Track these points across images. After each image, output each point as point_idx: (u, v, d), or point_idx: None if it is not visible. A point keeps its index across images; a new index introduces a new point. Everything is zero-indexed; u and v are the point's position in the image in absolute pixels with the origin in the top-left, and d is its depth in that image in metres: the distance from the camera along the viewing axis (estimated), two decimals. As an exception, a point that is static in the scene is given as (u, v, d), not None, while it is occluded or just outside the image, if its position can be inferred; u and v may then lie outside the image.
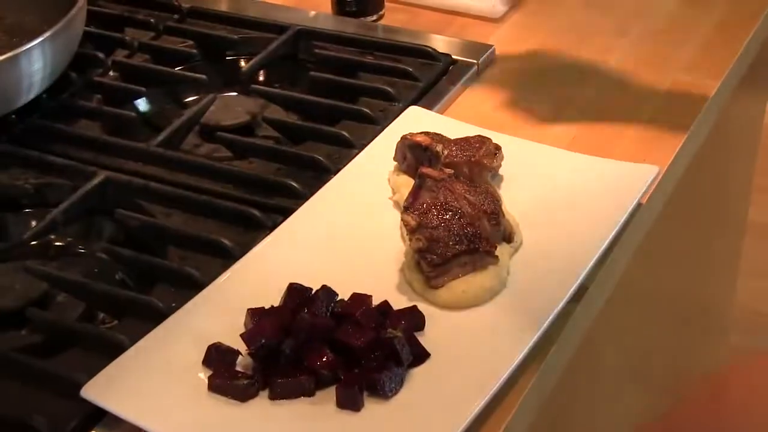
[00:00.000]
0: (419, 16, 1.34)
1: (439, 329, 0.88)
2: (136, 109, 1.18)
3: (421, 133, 1.04)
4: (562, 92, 1.20)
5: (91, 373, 0.82)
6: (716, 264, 1.83)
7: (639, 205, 1.00)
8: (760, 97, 1.65)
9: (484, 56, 1.24)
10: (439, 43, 1.26)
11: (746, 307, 2.12)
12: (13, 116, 1.13)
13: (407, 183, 1.01)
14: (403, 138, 1.04)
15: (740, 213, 1.89)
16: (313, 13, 1.34)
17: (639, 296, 1.24)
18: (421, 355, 0.85)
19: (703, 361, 1.84)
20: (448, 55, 1.23)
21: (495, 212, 0.95)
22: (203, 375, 0.84)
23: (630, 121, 1.15)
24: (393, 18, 1.33)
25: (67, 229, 1.00)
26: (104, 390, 0.82)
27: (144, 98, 1.19)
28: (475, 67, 1.22)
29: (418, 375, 0.84)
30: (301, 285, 0.89)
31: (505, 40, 1.28)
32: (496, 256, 0.93)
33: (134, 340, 0.85)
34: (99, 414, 0.81)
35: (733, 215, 1.85)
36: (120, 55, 1.26)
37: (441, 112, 1.16)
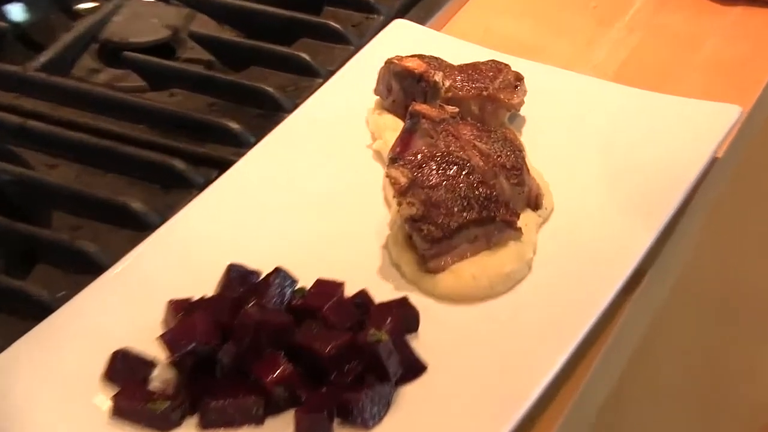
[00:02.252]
0: None
1: (440, 331, 0.88)
2: (7, 18, 1.17)
3: (413, 56, 1.04)
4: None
5: None
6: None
7: (714, 159, 0.99)
8: None
9: None
10: None
11: None
12: None
13: (394, 125, 1.01)
14: (388, 62, 1.03)
15: None
16: None
17: (711, 286, 1.23)
18: (414, 367, 0.85)
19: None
20: None
21: (516, 167, 0.95)
22: (104, 395, 0.82)
23: (700, 44, 1.16)
24: None
25: None
26: None
27: (20, 3, 1.18)
28: None
29: (410, 394, 0.85)
30: (244, 267, 0.88)
31: None
32: (519, 228, 0.93)
33: (2, 346, 0.84)
34: None
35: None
36: None
37: (439, 27, 1.16)
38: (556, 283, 0.93)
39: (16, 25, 1.17)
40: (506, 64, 1.03)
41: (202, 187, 0.97)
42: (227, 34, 1.17)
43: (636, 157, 1.04)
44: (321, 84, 1.06)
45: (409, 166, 0.93)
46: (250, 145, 1.01)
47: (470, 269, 0.92)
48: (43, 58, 1.09)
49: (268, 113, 1.04)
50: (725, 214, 1.08)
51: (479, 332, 0.89)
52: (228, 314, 0.87)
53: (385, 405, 0.83)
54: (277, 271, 0.92)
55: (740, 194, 1.12)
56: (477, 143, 0.95)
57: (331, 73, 1.07)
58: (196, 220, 0.96)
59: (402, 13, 1.15)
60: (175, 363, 0.84)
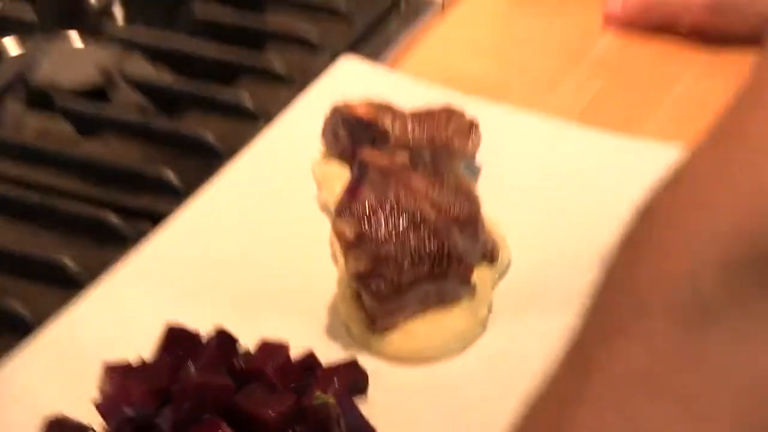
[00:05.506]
0: None
1: (389, 393, 0.90)
2: None
3: (363, 101, 1.05)
4: (563, 39, 1.24)
5: None
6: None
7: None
8: None
9: None
10: None
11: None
12: None
13: (341, 174, 1.02)
14: (335, 108, 1.05)
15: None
16: None
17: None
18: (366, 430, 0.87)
19: None
20: None
21: (471, 219, 0.96)
22: None
23: (668, 84, 1.18)
24: None
25: None
26: None
27: None
28: (429, 4, 1.25)
29: None
30: (184, 328, 0.89)
31: None
32: (473, 285, 0.94)
33: None
34: None
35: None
36: None
37: (392, 65, 1.18)
38: (513, 342, 0.94)
39: None
40: (461, 109, 1.05)
41: (136, 242, 0.98)
42: (164, 76, 1.17)
43: (601, 204, 1.02)
44: (263, 129, 1.08)
45: (356, 219, 0.94)
46: (187, 197, 1.02)
47: (422, 328, 0.94)
48: None
49: (206, 162, 1.05)
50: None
51: (431, 395, 0.91)
52: (166, 378, 0.86)
53: None
54: (219, 331, 0.90)
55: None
56: (429, 194, 0.96)
57: (274, 117, 1.08)
58: (131, 277, 0.97)
59: (350, 50, 1.16)
60: (112, 431, 0.86)
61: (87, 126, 1.12)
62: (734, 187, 0.71)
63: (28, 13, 1.22)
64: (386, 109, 1.05)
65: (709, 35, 1.23)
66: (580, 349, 0.72)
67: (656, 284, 0.72)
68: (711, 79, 1.20)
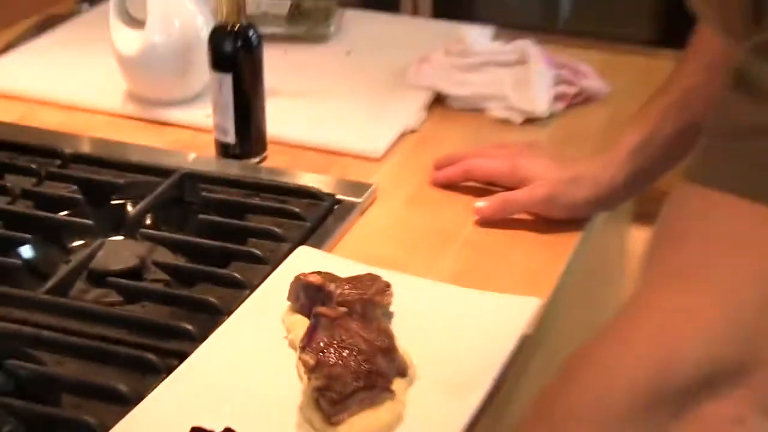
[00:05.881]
0: (301, 158, 1.37)
1: None
2: (20, 256, 1.17)
3: (314, 272, 1.06)
4: (444, 227, 1.24)
5: None
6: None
7: (524, 338, 1.02)
8: (622, 228, 1.73)
9: (366, 194, 1.27)
10: (323, 183, 1.29)
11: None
12: None
13: (302, 322, 1.03)
14: (296, 278, 1.06)
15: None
16: (195, 156, 1.37)
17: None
18: None
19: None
20: (332, 195, 1.26)
21: (389, 348, 0.97)
22: None
23: (512, 253, 1.19)
24: (276, 159, 1.37)
25: None
26: None
27: (29, 245, 1.18)
28: (359, 206, 1.26)
29: None
30: (203, 428, 0.88)
31: (386, 178, 1.33)
32: (393, 391, 0.94)
33: None
34: None
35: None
36: (1, 202, 1.25)
37: (329, 250, 1.18)
38: (421, 429, 0.93)
39: (27, 261, 1.15)
40: (378, 276, 1.06)
41: (168, 373, 0.96)
42: (180, 261, 1.15)
43: (469, 336, 1.04)
44: (249, 294, 1.07)
45: (315, 351, 0.94)
46: (201, 341, 1.01)
47: (360, 422, 0.92)
48: (48, 284, 1.07)
49: (212, 317, 1.04)
50: (537, 372, 1.12)
51: None
52: None
53: None
54: (227, 430, 0.88)
55: (546, 359, 1.15)
56: (361, 333, 0.96)
57: (256, 286, 1.08)
58: (164, 397, 0.94)
59: (303, 241, 1.16)
60: None
61: (130, 295, 1.10)
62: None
63: (89, 224, 1.21)
64: (330, 278, 1.05)
65: (545, 218, 1.23)
66: None
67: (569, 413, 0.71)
68: (545, 250, 1.21)
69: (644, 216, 1.33)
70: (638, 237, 1.60)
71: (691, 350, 0.67)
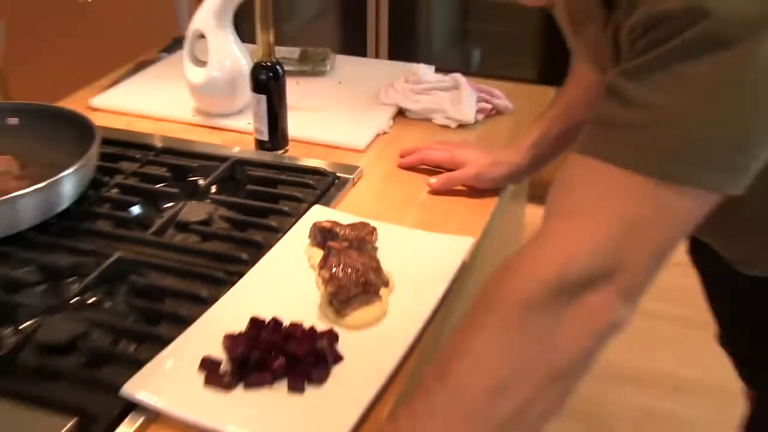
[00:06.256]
0: (311, 149, 1.37)
1: (348, 342, 0.90)
2: (132, 213, 1.18)
3: (326, 220, 1.07)
4: (408, 194, 1.24)
5: (122, 381, 0.82)
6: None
7: (463, 263, 1.04)
8: (522, 203, 1.73)
9: (356, 173, 1.27)
10: (326, 165, 1.29)
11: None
12: (54, 219, 1.12)
13: (318, 253, 1.04)
14: (314, 224, 1.07)
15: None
16: (240, 149, 1.35)
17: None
18: (338, 358, 0.87)
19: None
20: (333, 173, 1.26)
21: (376, 268, 0.99)
22: (201, 377, 0.85)
23: (453, 211, 1.19)
24: (294, 151, 1.36)
25: (96, 290, 0.99)
26: (136, 386, 0.82)
27: (137, 206, 1.19)
28: (351, 180, 1.26)
29: (337, 370, 0.86)
30: (257, 317, 0.91)
31: (368, 163, 1.32)
32: (380, 296, 0.96)
33: (148, 360, 0.86)
34: (131, 406, 0.82)
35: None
36: (119, 178, 1.25)
37: (333, 207, 1.18)
38: (397, 321, 0.94)
39: (135, 216, 1.16)
40: (368, 223, 1.06)
41: (232, 284, 0.96)
42: (235, 215, 1.15)
43: (426, 264, 1.03)
44: (282, 236, 1.07)
45: (328, 270, 0.96)
46: (251, 264, 1.01)
47: (358, 315, 0.94)
48: (151, 230, 1.08)
49: (258, 250, 1.04)
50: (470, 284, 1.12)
51: (365, 342, 0.90)
52: (253, 339, 0.86)
53: (326, 375, 0.85)
54: (274, 318, 0.90)
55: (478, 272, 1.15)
56: (358, 259, 0.97)
57: (287, 230, 1.08)
58: (230, 299, 0.94)
59: (316, 202, 1.16)
60: (232, 360, 0.84)
61: (204, 237, 1.11)
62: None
63: (176, 192, 1.20)
64: (336, 224, 1.06)
65: (475, 189, 1.22)
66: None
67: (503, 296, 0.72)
68: (475, 209, 1.19)
69: (536, 197, 1.33)
70: (531, 212, 1.60)
71: (580, 259, 0.69)
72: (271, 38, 1.29)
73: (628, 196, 0.69)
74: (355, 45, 3.05)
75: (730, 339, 1.23)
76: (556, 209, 0.73)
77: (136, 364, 0.85)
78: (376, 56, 2.97)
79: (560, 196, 0.74)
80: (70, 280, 1.02)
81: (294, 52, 1.70)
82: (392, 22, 2.98)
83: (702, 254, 1.15)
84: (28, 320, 0.93)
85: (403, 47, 2.99)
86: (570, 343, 0.69)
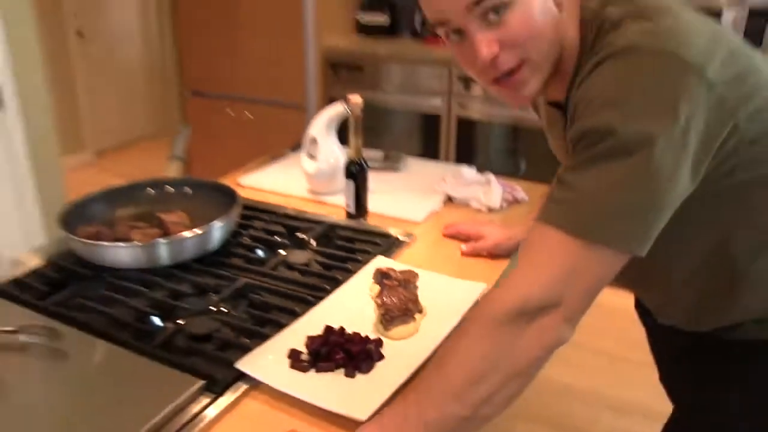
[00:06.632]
0: (383, 220, 1.36)
1: (389, 348, 0.92)
2: (257, 254, 1.20)
3: (385, 267, 1.10)
4: (446, 254, 1.22)
5: (237, 359, 0.88)
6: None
7: (476, 301, 1.01)
8: None
9: (411, 237, 1.27)
10: (392, 231, 1.29)
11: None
12: (206, 254, 1.15)
13: (376, 288, 1.06)
14: (377, 268, 1.10)
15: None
16: (335, 217, 1.36)
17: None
18: (380, 357, 0.90)
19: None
20: (395, 236, 1.27)
21: (415, 300, 1.01)
22: (288, 361, 0.89)
23: (476, 267, 1.18)
24: (372, 220, 1.36)
25: (227, 302, 1.02)
26: (245, 364, 0.87)
27: (261, 250, 1.21)
28: (407, 241, 1.26)
29: (379, 365, 0.89)
30: (330, 326, 0.94)
31: (422, 231, 1.31)
32: (415, 319, 0.98)
33: (255, 348, 0.90)
34: (241, 375, 0.87)
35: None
36: (251, 231, 1.27)
37: (393, 258, 1.20)
38: (426, 337, 0.93)
39: (260, 257, 1.13)
40: (413, 270, 1.08)
41: (317, 303, 0.97)
42: (327, 259, 1.16)
43: (451, 300, 0.99)
44: (354, 275, 1.08)
45: (382, 300, 0.99)
46: (332, 291, 1.02)
47: (399, 331, 0.95)
48: (268, 265, 1.09)
49: (337, 283, 1.06)
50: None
51: (402, 349, 0.91)
52: (326, 340, 0.89)
53: (372, 367, 0.87)
54: (341, 328, 0.92)
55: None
56: (402, 293, 1.00)
57: (358, 271, 1.09)
58: (316, 312, 0.96)
59: (381, 254, 1.15)
60: (309, 352, 0.88)
61: (302, 273, 1.11)
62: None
63: (287, 243, 1.19)
64: (391, 269, 1.08)
65: (493, 255, 1.20)
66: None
67: (478, 316, 0.74)
68: (492, 267, 1.17)
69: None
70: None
71: (536, 293, 0.72)
72: (360, 143, 1.33)
73: (565, 252, 0.72)
74: (430, 153, 3.13)
75: (665, 377, 1.18)
76: (522, 257, 0.76)
77: (247, 350, 0.90)
78: (446, 161, 3.02)
79: (524, 249, 0.77)
80: (211, 294, 1.06)
81: (380, 154, 1.74)
82: (459, 138, 3.05)
83: (642, 308, 1.13)
84: (183, 318, 0.98)
85: (467, 156, 3.03)
86: (528, 351, 0.72)
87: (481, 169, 1.56)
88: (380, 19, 3.33)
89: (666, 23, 0.68)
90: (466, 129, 3.01)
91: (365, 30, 3.36)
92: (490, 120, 2.95)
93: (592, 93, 0.69)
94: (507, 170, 3.00)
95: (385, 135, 3.18)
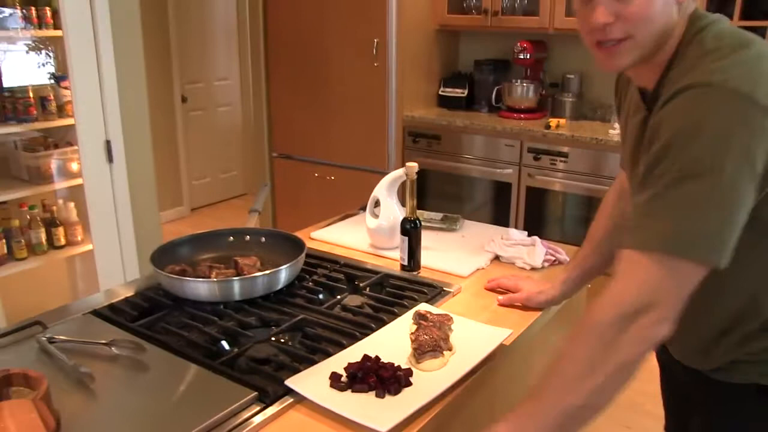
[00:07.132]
0: (434, 273, 1.43)
1: (418, 377, 0.99)
2: (317, 296, 1.29)
3: (424, 310, 1.18)
4: (485, 304, 1.28)
5: (287, 378, 0.96)
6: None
7: (501, 344, 1.09)
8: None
9: (455, 288, 1.33)
10: (440, 282, 1.35)
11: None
12: (273, 293, 1.25)
13: (414, 327, 1.14)
14: (416, 311, 1.17)
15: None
16: (390, 269, 1.43)
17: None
18: (408, 384, 0.98)
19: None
20: (441, 287, 1.33)
21: (446, 339, 1.08)
22: (329, 382, 0.98)
23: (510, 316, 1.23)
24: (424, 273, 1.43)
25: (285, 334, 1.11)
26: (292, 381, 0.97)
27: (321, 294, 1.29)
28: (452, 292, 1.32)
29: (407, 390, 0.96)
30: (368, 355, 1.02)
31: (467, 285, 1.38)
32: (444, 355, 1.05)
33: (303, 370, 0.99)
34: (289, 391, 0.96)
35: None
36: (314, 277, 1.36)
37: (436, 306, 1.25)
38: (452, 370, 0.99)
39: (319, 298, 1.24)
40: (449, 314, 1.14)
41: (362, 339, 1.08)
42: (380, 303, 1.24)
43: (480, 342, 1.05)
44: (399, 316, 1.17)
45: (417, 338, 1.05)
46: (376, 330, 1.10)
47: (428, 364, 1.01)
48: (325, 305, 1.19)
49: (383, 323, 1.14)
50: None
51: (429, 378, 0.98)
52: (363, 366, 0.96)
53: (399, 390, 0.94)
54: (377, 357, 0.99)
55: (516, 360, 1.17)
56: (436, 332, 1.06)
57: (403, 314, 1.17)
58: (361, 345, 1.03)
59: (425, 301, 1.21)
60: (347, 375, 0.95)
61: (355, 314, 1.21)
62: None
63: (345, 288, 1.29)
64: (429, 312, 1.15)
65: (526, 307, 1.26)
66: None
67: (585, 324, 0.78)
68: (523, 317, 1.22)
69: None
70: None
71: (630, 299, 0.78)
72: (414, 203, 1.40)
73: (655, 267, 0.77)
74: (502, 219, 3.20)
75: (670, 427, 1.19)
76: (618, 272, 0.81)
77: (297, 371, 1.00)
78: (516, 227, 3.08)
79: (619, 266, 0.82)
80: (273, 326, 1.16)
81: (438, 215, 1.83)
82: (528, 206, 3.12)
83: (663, 352, 1.15)
84: (246, 344, 1.09)
85: (535, 223, 3.06)
86: (630, 346, 0.78)
87: (550, 236, 1.59)
88: (459, 92, 3.51)
89: (748, 59, 0.74)
90: (536, 197, 3.06)
91: (445, 102, 3.55)
92: (565, 190, 2.99)
93: (669, 121, 0.75)
94: (578, 237, 3.00)
95: (466, 201, 3.29)
